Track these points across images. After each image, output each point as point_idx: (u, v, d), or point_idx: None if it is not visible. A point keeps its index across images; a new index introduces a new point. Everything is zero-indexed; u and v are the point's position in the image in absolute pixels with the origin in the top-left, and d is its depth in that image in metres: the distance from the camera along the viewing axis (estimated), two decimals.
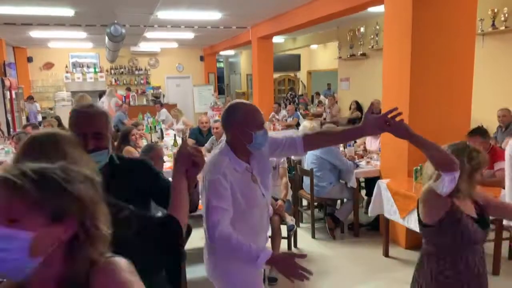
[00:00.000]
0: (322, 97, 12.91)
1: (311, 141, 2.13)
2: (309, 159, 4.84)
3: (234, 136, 2.00)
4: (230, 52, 16.11)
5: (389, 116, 1.82)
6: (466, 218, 1.94)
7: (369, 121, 1.89)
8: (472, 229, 1.93)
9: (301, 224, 5.11)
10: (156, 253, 1.38)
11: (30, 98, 11.60)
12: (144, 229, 1.36)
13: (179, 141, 6.63)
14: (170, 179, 1.57)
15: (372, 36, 8.95)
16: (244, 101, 2.17)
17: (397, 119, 1.80)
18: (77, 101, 7.51)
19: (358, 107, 9.63)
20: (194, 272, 3.96)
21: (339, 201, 5.10)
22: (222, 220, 1.87)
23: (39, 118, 11.24)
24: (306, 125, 5.36)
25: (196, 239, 4.71)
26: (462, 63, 4.25)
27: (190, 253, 4.12)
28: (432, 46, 4.13)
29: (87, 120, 1.64)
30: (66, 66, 13.58)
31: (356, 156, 5.12)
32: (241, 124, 1.97)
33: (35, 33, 9.70)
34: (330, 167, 4.70)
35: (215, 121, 6.29)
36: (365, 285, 3.66)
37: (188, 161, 1.51)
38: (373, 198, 4.33)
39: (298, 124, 8.59)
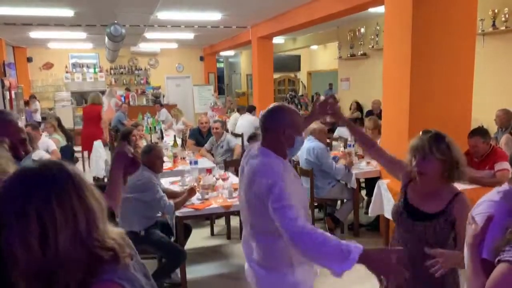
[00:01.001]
0: (322, 98, 12.89)
1: None
2: (302, 161, 4.84)
3: (277, 138, 1.95)
4: (230, 52, 16.11)
5: (328, 101, 2.29)
6: None
7: (316, 106, 2.33)
8: None
9: None
10: None
11: (33, 97, 11.59)
12: None
13: (179, 141, 6.62)
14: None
15: (372, 36, 8.94)
16: (286, 104, 2.15)
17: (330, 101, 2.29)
18: (92, 98, 7.90)
19: (359, 107, 9.62)
20: (194, 272, 3.96)
21: (339, 201, 5.10)
22: (298, 215, 1.73)
23: (38, 117, 11.19)
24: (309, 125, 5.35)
25: (197, 239, 4.72)
26: (463, 63, 4.24)
27: (190, 253, 4.11)
28: (433, 46, 4.12)
29: (15, 127, 1.62)
30: (66, 66, 13.57)
31: (357, 157, 5.11)
32: (288, 127, 1.94)
33: (35, 34, 9.69)
34: (320, 168, 4.69)
35: (215, 121, 6.29)
36: (365, 285, 3.65)
37: (127, 159, 1.62)
38: (373, 198, 4.33)
39: None
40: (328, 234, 1.62)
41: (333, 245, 1.56)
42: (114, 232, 1.04)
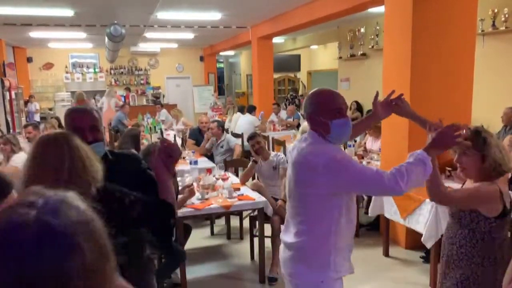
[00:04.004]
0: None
1: None
2: None
3: (316, 125, 1.87)
4: (230, 52, 16.11)
5: (391, 98, 2.18)
6: None
7: (378, 107, 2.16)
8: None
9: None
10: (154, 229, 1.70)
11: (31, 97, 11.68)
12: (146, 211, 1.63)
13: (179, 141, 6.62)
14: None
15: (372, 36, 8.94)
16: (325, 88, 1.99)
17: (393, 96, 2.18)
18: (76, 97, 9.58)
19: (358, 107, 9.61)
20: (194, 272, 3.96)
21: None
22: (378, 171, 1.76)
23: (37, 118, 11.25)
24: (307, 125, 5.35)
25: (197, 239, 4.72)
26: (463, 63, 4.25)
27: (190, 253, 4.11)
28: (433, 46, 4.12)
29: (83, 116, 1.82)
30: (66, 66, 13.57)
31: (357, 157, 5.12)
32: (314, 112, 1.85)
33: (35, 34, 9.69)
34: None
35: (212, 121, 6.29)
36: (365, 285, 3.66)
37: (164, 154, 1.68)
38: (373, 198, 4.33)
39: (298, 125, 8.58)
40: (404, 164, 1.74)
41: (416, 167, 1.73)
42: None
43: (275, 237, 3.77)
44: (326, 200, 1.81)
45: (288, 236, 1.96)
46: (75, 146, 1.41)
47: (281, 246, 2.07)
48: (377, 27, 8.59)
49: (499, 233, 2.03)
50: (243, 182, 4.30)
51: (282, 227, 2.11)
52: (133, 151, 2.30)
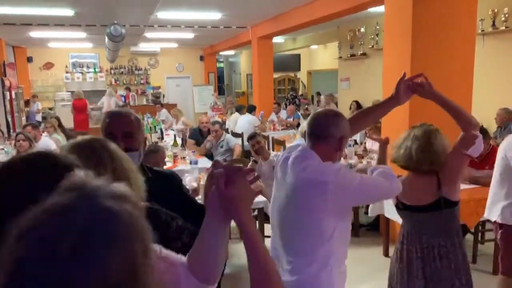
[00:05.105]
0: (322, 97, 12.91)
1: (352, 125, 1.95)
2: None
3: (334, 146, 1.77)
4: (230, 52, 16.11)
5: (414, 80, 2.08)
6: None
7: (401, 89, 2.07)
8: None
9: None
10: None
11: (34, 97, 11.71)
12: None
13: (179, 141, 6.62)
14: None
15: (372, 36, 8.94)
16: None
17: (420, 79, 2.10)
18: (76, 95, 10.86)
19: (359, 107, 9.62)
20: None
21: None
22: (378, 176, 1.82)
23: (39, 118, 11.26)
24: (305, 126, 5.35)
25: None
26: (462, 63, 4.24)
27: None
28: (432, 46, 4.12)
29: (117, 120, 1.67)
30: (66, 66, 13.57)
31: (357, 157, 5.12)
32: (345, 135, 1.79)
33: (35, 33, 9.70)
34: None
35: (213, 123, 6.28)
36: (365, 285, 3.66)
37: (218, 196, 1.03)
38: None
39: (298, 125, 8.59)
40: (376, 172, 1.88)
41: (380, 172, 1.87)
42: None
43: None
44: (332, 221, 1.68)
45: (281, 273, 1.68)
46: (117, 157, 1.13)
47: None
48: (377, 27, 8.59)
49: (404, 222, 2.43)
50: None
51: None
52: (173, 170, 2.05)
